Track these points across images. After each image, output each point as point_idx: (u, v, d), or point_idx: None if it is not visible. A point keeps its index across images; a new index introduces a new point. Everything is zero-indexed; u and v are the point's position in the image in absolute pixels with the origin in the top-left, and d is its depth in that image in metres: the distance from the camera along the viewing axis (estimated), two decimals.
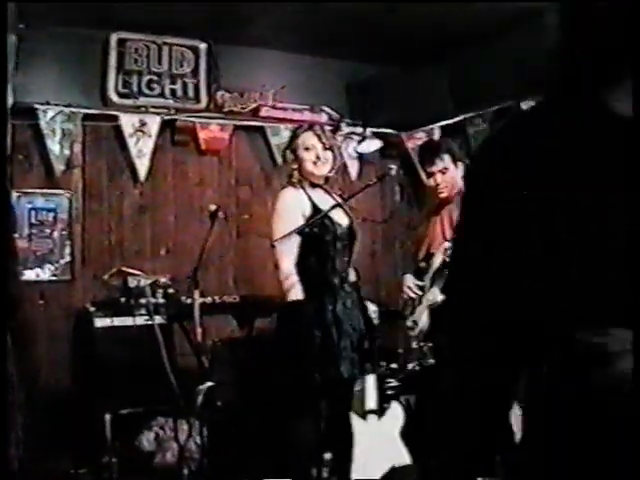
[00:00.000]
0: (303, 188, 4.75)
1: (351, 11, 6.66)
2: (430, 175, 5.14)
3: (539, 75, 6.57)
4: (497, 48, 7.20)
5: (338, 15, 6.76)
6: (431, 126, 7.54)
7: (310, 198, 4.71)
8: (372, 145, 7.42)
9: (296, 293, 4.52)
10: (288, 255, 4.55)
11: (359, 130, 7.47)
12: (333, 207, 4.65)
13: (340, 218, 4.77)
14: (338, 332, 4.57)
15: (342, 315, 4.62)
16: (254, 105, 7.26)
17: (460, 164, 5.16)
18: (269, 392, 4.72)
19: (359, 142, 7.44)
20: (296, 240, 4.53)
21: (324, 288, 4.61)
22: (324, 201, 4.77)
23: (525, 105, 6.75)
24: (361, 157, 7.59)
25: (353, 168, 7.58)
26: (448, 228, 5.00)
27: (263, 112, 7.27)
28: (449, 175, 5.10)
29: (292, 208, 4.66)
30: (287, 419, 4.60)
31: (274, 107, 7.30)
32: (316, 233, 4.56)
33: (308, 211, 4.65)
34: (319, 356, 4.47)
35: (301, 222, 4.59)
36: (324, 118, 7.44)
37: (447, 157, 5.12)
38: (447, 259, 4.82)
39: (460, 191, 5.12)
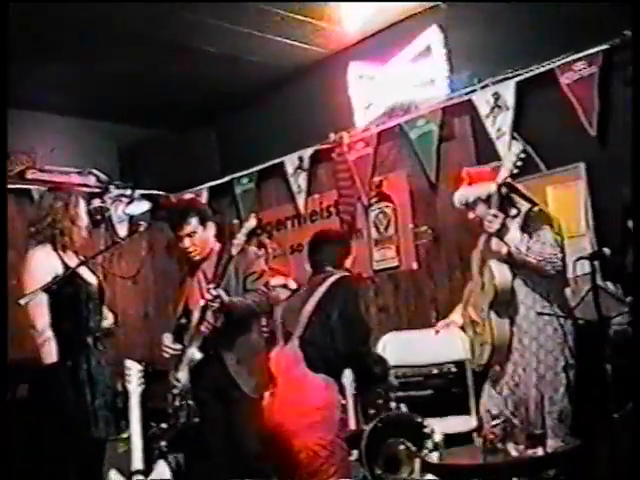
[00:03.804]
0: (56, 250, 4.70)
1: (121, 74, 6.75)
2: (179, 239, 5.14)
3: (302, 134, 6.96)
4: (261, 109, 7.48)
5: (108, 78, 6.83)
6: (199, 187, 7.66)
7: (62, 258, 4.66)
8: (140, 207, 7.47)
9: (50, 354, 4.43)
10: (42, 315, 4.46)
11: (128, 192, 7.50)
12: (77, 266, 4.59)
13: (90, 277, 4.72)
14: (92, 392, 4.54)
15: (96, 374, 4.59)
16: (20, 168, 7.16)
17: (210, 224, 5.17)
18: (24, 458, 4.60)
19: (128, 204, 7.46)
20: (45, 299, 4.43)
21: (78, 348, 4.55)
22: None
23: (290, 162, 7.05)
24: (132, 218, 7.58)
25: (122, 229, 7.56)
26: (204, 286, 5.03)
27: (29, 175, 7.17)
28: (197, 237, 5.09)
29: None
30: None
31: (41, 170, 7.21)
32: (69, 292, 4.49)
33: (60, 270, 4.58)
34: (74, 418, 4.41)
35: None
36: (92, 181, 7.42)
37: (194, 220, 5.08)
38: (204, 317, 4.90)
39: (212, 250, 5.18)
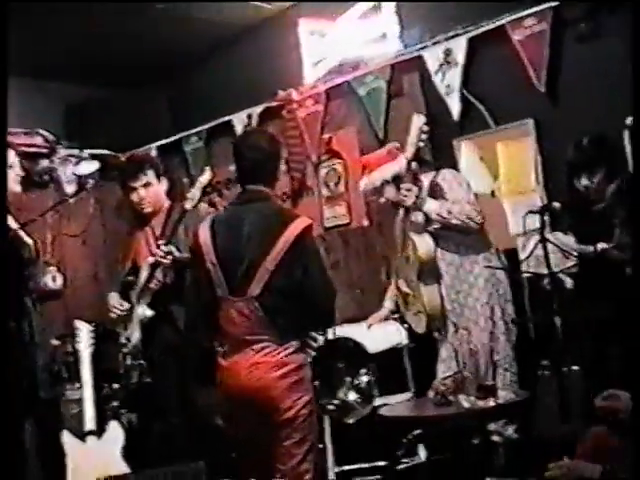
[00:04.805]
0: None
1: (67, 33, 6.62)
2: (133, 190, 5.15)
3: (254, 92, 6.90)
4: (211, 67, 7.40)
5: (53, 36, 6.69)
6: (148, 146, 7.57)
7: None
8: (89, 167, 7.35)
9: None
10: None
11: (76, 152, 7.40)
12: (22, 225, 4.55)
13: (27, 238, 4.68)
14: (36, 352, 4.52)
15: (37, 336, 4.55)
16: None
17: (164, 179, 5.21)
18: None
19: (76, 164, 7.36)
20: None
21: (19, 309, 4.49)
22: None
23: (238, 120, 6.97)
24: (80, 178, 7.47)
25: (71, 190, 7.40)
26: (153, 242, 5.02)
27: None
28: (152, 190, 5.14)
29: None
30: None
31: None
32: (9, 253, 4.40)
33: None
34: (21, 379, 4.37)
35: None
36: (40, 141, 7.29)
37: (151, 172, 5.15)
38: (153, 274, 4.88)
39: (163, 206, 5.18)
